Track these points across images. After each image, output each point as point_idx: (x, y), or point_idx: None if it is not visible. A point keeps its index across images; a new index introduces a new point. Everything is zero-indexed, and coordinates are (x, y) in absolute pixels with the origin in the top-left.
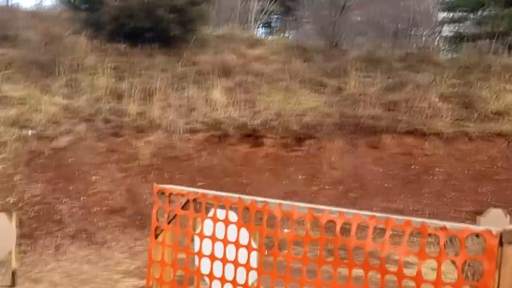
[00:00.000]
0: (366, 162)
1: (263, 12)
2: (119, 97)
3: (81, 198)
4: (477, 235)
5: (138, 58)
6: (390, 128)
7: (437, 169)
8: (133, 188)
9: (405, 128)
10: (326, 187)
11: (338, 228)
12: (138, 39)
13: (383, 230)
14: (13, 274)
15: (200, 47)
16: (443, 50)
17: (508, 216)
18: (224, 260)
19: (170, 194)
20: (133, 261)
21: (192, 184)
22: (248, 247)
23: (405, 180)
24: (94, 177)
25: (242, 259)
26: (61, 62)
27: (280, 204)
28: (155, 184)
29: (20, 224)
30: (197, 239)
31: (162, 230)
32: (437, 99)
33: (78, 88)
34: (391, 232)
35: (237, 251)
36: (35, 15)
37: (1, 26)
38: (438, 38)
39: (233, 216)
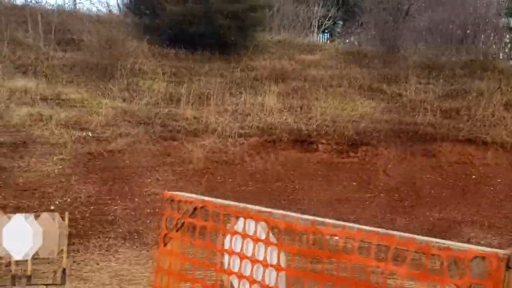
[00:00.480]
0: (423, 170)
1: (326, 18)
2: (176, 101)
3: (135, 199)
4: (483, 258)
5: (196, 64)
6: (450, 136)
7: (498, 180)
8: (189, 192)
9: (465, 136)
10: (380, 194)
11: (340, 244)
12: (198, 44)
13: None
14: (64, 272)
15: (258, 53)
16: (509, 57)
17: None
18: (240, 276)
19: (179, 201)
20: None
21: (245, 187)
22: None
23: (463, 190)
24: (148, 180)
25: (258, 276)
26: (121, 66)
27: (284, 215)
28: (165, 191)
29: (74, 223)
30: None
31: (170, 238)
32: (501, 108)
33: (137, 92)
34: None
35: (252, 267)
36: (99, 19)
37: (66, 30)
38: (504, 45)
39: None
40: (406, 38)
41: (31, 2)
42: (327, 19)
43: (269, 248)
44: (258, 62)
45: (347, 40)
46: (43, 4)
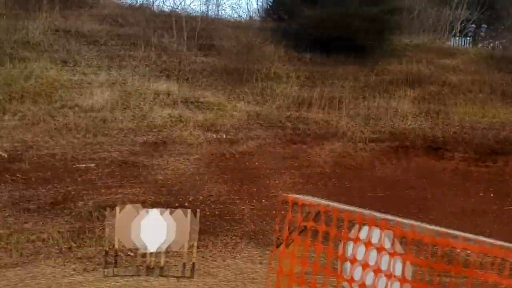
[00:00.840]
0: None
1: (469, 21)
2: (308, 105)
3: (262, 200)
4: None
5: (330, 68)
6: None
7: None
8: (315, 195)
9: None
10: None
11: (460, 257)
12: (333, 48)
13: None
14: (193, 267)
15: (395, 57)
16: None
17: None
18: (362, 285)
19: (303, 204)
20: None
21: (373, 193)
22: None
23: None
24: (275, 181)
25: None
26: (257, 70)
27: (412, 225)
28: (287, 195)
29: (204, 220)
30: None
31: (292, 241)
32: None
33: (270, 95)
34: None
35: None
36: (239, 25)
37: (208, 36)
38: None
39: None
40: None
41: (177, 8)
42: (470, 22)
43: (393, 258)
44: (394, 66)
45: (491, 45)
46: (188, 10)
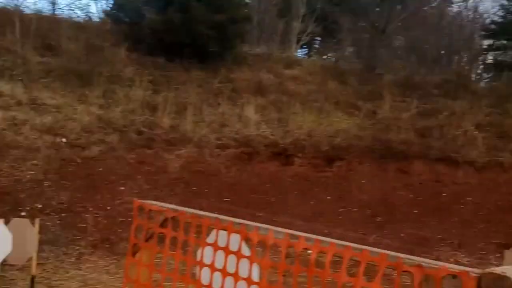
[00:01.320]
0: (395, 187)
1: (305, 33)
2: (153, 109)
3: (107, 208)
4: (454, 276)
5: (175, 72)
6: (422, 154)
7: (467, 198)
8: (159, 201)
9: (437, 155)
10: (354, 210)
11: (313, 258)
12: (177, 53)
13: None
14: (32, 280)
15: (237, 65)
16: (482, 78)
17: None
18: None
19: (150, 210)
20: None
21: (220, 198)
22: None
23: (434, 208)
24: (121, 188)
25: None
26: (99, 73)
27: (257, 228)
28: (134, 199)
29: (45, 230)
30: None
31: (139, 248)
32: (472, 127)
33: (113, 99)
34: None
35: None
36: (79, 26)
37: (45, 35)
38: (477, 65)
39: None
40: (382, 56)
41: (9, 5)
42: (306, 34)
43: (241, 261)
44: (238, 74)
45: (325, 56)
46: (21, 7)
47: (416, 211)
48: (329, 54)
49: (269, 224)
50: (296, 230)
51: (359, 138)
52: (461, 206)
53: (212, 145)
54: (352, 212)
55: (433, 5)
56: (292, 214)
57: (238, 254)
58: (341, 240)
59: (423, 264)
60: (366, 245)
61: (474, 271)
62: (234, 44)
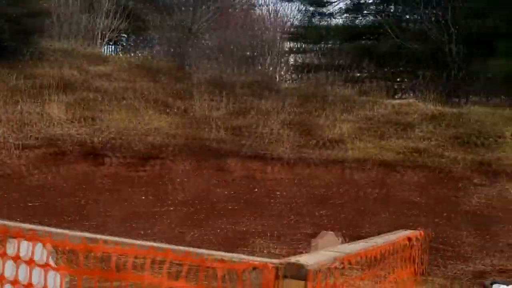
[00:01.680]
0: (212, 184)
1: (110, 30)
2: None
3: None
4: (254, 268)
5: None
6: (235, 151)
7: (278, 193)
8: None
9: (248, 152)
10: (171, 208)
11: (113, 261)
12: None
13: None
14: None
15: (37, 60)
16: (286, 79)
17: (340, 238)
18: None
19: None
20: None
21: (24, 203)
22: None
23: (249, 203)
24: None
25: None
26: None
27: (67, 235)
28: None
29: None
30: None
31: None
32: (278, 126)
33: None
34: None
35: None
36: None
37: None
38: (282, 67)
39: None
40: (193, 55)
41: None
42: (110, 31)
43: (46, 271)
44: (43, 70)
45: (139, 54)
46: None
47: (234, 207)
48: (138, 52)
49: (83, 229)
50: (115, 234)
51: (175, 136)
52: (273, 200)
53: (20, 146)
54: (169, 211)
55: (238, 7)
56: (108, 216)
57: (43, 264)
58: (159, 240)
59: (225, 258)
60: (185, 244)
61: (273, 262)
62: (33, 39)
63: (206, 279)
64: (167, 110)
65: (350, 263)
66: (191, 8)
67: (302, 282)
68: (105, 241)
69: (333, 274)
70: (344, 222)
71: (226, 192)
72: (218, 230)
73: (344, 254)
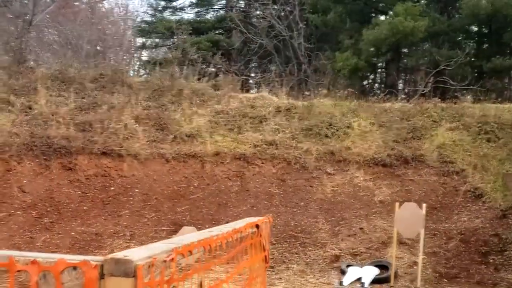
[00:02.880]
0: (62, 184)
1: None
2: None
3: None
4: (75, 268)
5: None
6: (86, 149)
7: (136, 190)
8: None
9: (101, 149)
10: (17, 212)
11: None
12: None
13: None
14: None
15: None
16: (139, 73)
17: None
18: None
19: None
20: None
21: None
22: None
23: (104, 202)
24: None
25: None
26: None
27: None
28: None
29: None
30: None
31: None
32: (132, 121)
33: None
34: None
35: None
36: None
37: None
38: (133, 61)
39: None
40: (33, 49)
41: None
42: None
43: None
44: None
45: None
46: None
47: (86, 207)
48: None
49: None
50: None
51: (15, 135)
52: (131, 198)
53: None
54: (15, 216)
55: (84, 0)
56: None
57: None
58: (6, 246)
59: (39, 259)
60: (35, 248)
61: (95, 259)
62: None
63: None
64: (9, 108)
65: (191, 253)
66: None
67: (131, 280)
68: None
69: (169, 267)
70: (205, 216)
71: (79, 192)
72: (72, 233)
73: (180, 245)
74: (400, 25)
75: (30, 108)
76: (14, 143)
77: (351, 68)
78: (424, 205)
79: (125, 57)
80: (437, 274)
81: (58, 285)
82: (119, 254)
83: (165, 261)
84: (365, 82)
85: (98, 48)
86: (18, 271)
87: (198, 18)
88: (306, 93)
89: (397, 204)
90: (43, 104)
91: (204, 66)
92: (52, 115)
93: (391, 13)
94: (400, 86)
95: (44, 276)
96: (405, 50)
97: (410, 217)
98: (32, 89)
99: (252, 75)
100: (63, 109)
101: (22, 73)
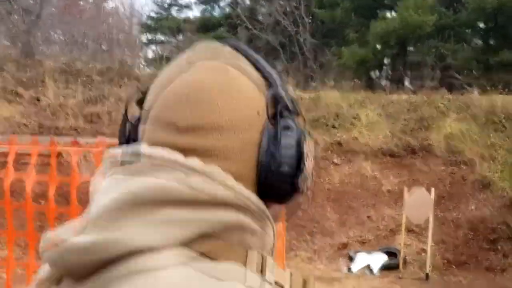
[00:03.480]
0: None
1: None
2: None
3: None
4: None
5: None
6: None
7: None
8: None
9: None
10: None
11: None
12: None
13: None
14: None
15: None
16: (145, 66)
17: None
18: None
19: None
20: None
21: None
22: None
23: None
24: None
25: None
26: None
27: None
28: None
29: None
30: None
31: None
32: None
33: None
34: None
35: None
36: None
37: None
38: (141, 55)
39: None
40: (41, 43)
41: None
42: None
43: None
44: None
45: None
46: None
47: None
48: None
49: None
50: None
51: (24, 126)
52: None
53: None
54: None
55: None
56: None
57: None
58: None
59: (81, 141)
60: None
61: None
62: None
63: None
64: (18, 99)
65: None
66: None
67: None
68: None
69: None
70: None
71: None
72: None
73: None
74: (409, 18)
75: (39, 100)
76: (23, 133)
77: (358, 60)
78: (432, 189)
79: (132, 53)
80: (446, 261)
81: (99, 166)
82: None
83: None
84: (372, 75)
85: (103, 43)
86: (60, 154)
87: (204, 15)
88: (313, 83)
89: (406, 189)
90: (51, 96)
91: None
92: (60, 106)
93: (400, 6)
94: (407, 79)
95: (85, 157)
96: (412, 43)
97: (419, 203)
98: (40, 82)
99: None
100: (71, 101)
101: (30, 66)
